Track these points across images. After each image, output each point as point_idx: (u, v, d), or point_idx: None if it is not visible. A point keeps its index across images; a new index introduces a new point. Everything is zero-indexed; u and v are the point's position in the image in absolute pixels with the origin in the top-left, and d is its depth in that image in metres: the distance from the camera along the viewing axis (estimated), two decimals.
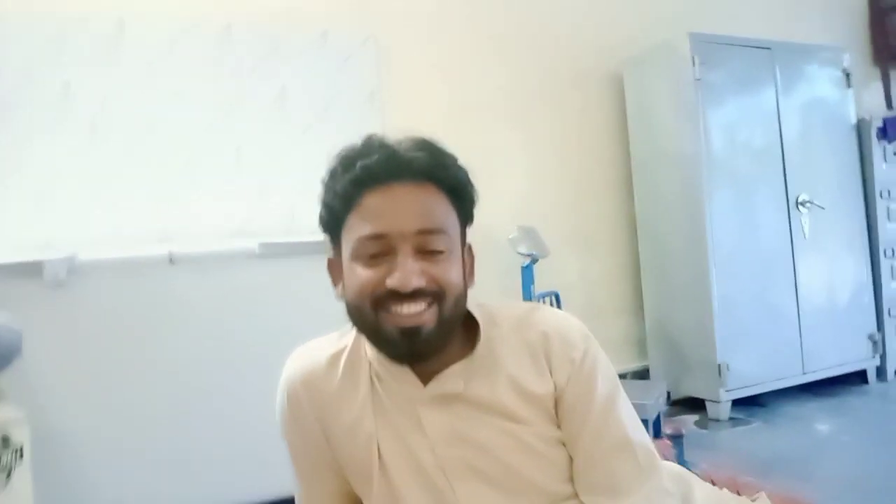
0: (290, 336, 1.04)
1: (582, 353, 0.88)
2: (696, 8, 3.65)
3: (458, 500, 0.85)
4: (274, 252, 2.19)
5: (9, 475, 1.76)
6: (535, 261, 2.91)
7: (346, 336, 0.95)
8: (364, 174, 0.83)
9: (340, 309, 0.94)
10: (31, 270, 1.91)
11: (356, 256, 0.84)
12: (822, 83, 3.40)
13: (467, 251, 0.91)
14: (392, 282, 0.80)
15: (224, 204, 2.50)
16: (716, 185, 3.04)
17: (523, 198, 3.17)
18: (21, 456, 1.77)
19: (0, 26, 2.23)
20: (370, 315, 0.83)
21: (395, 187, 0.83)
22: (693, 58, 3.02)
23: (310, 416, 0.93)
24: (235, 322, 2.11)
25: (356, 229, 0.84)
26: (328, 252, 0.92)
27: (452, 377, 0.87)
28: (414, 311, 0.81)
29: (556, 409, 0.87)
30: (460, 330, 0.90)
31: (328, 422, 0.92)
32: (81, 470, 1.94)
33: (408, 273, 0.80)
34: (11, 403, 1.76)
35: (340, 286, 0.89)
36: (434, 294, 0.82)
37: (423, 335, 0.82)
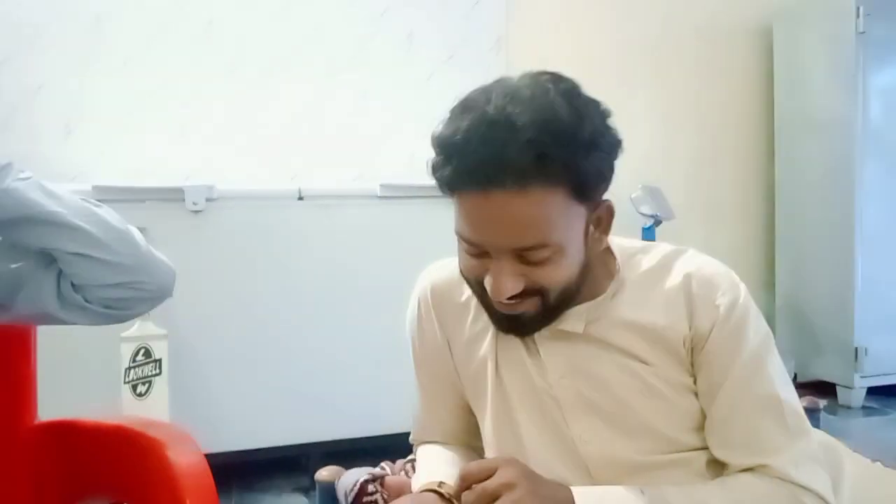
0: (407, 277, 1.04)
1: (731, 300, 0.80)
2: None
3: (571, 432, 0.82)
4: (394, 193, 2.23)
5: (149, 386, 1.94)
6: (657, 223, 2.78)
7: None
8: (457, 178, 0.73)
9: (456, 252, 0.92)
10: (173, 196, 2.05)
11: (459, 238, 0.79)
12: None
13: (606, 209, 0.81)
14: (487, 286, 0.77)
15: (348, 145, 2.56)
16: (869, 156, 2.77)
17: (650, 157, 3.01)
18: (160, 369, 1.94)
19: None
20: (475, 289, 0.82)
21: (492, 195, 0.72)
22: (858, 8, 2.72)
23: (435, 324, 0.94)
24: (356, 260, 2.18)
25: (458, 216, 0.77)
26: None
27: (574, 317, 0.83)
28: (513, 303, 0.77)
29: (693, 357, 0.82)
30: (598, 266, 0.86)
31: (452, 333, 0.92)
32: (211, 386, 2.09)
33: (502, 284, 0.75)
34: (153, 320, 1.92)
35: None
36: (535, 291, 0.77)
37: (524, 320, 0.80)
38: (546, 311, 0.79)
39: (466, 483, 0.74)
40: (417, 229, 2.12)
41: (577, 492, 0.75)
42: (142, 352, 1.92)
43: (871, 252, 2.76)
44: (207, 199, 2.07)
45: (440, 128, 0.76)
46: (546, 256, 0.75)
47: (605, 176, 0.77)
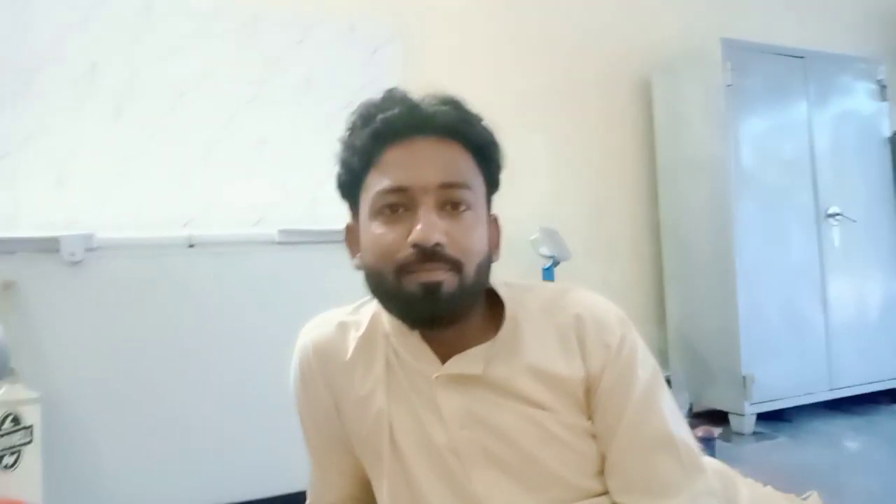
0: (305, 325, 1.00)
1: (619, 338, 0.82)
2: (728, 14, 3.60)
3: (473, 487, 0.79)
4: (294, 239, 2.16)
5: (18, 456, 1.74)
6: (556, 263, 2.86)
7: (364, 308, 0.90)
8: (385, 128, 0.79)
9: (359, 297, 0.90)
10: (48, 246, 1.89)
11: (375, 213, 0.79)
12: (856, 94, 3.33)
13: (493, 222, 0.87)
14: (413, 237, 0.76)
15: (245, 190, 2.48)
16: (744, 195, 2.97)
17: (546, 200, 3.12)
18: (31, 437, 1.75)
19: (27, 3, 2.23)
20: (391, 278, 0.78)
21: (417, 141, 0.80)
22: (725, 63, 2.97)
23: (321, 386, 0.89)
24: (253, 309, 2.08)
25: (375, 185, 0.79)
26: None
27: (472, 358, 0.81)
28: (435, 268, 0.77)
29: (588, 399, 0.81)
30: (484, 309, 0.86)
31: (339, 393, 0.88)
32: (91, 453, 1.90)
33: (430, 226, 0.76)
34: (24, 382, 1.74)
35: (358, 255, 0.84)
36: (454, 262, 0.77)
37: (443, 293, 0.77)
38: (462, 292, 0.78)
39: None
40: (319, 276, 2.05)
41: None
42: (9, 418, 1.73)
43: (750, 285, 2.94)
44: (86, 249, 1.92)
45: (350, 119, 0.85)
46: (467, 202, 0.79)
47: (499, 168, 0.86)
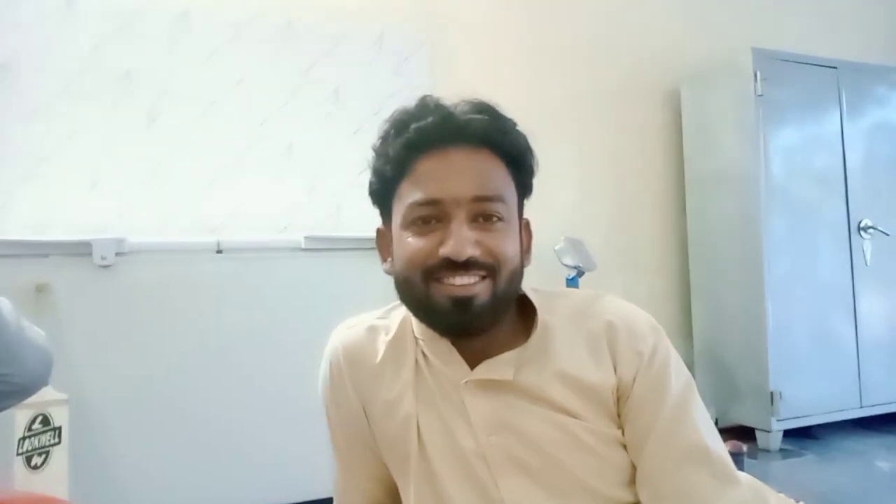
0: (331, 330, 1.00)
1: (652, 346, 0.81)
2: (759, 24, 3.56)
3: (500, 494, 0.79)
4: (319, 246, 2.18)
5: (46, 457, 1.77)
6: (580, 274, 2.84)
7: (395, 312, 0.91)
8: (418, 138, 0.80)
9: (384, 305, 0.91)
10: (80, 250, 1.93)
11: (407, 224, 0.80)
12: (890, 105, 3.26)
13: (524, 227, 0.86)
14: (445, 250, 0.76)
15: (273, 197, 2.51)
16: (773, 209, 2.93)
17: (571, 211, 3.10)
18: (59, 438, 1.78)
19: (68, 10, 2.28)
20: (420, 286, 0.79)
21: (450, 152, 0.79)
22: (755, 73, 2.93)
23: (350, 388, 0.89)
24: (278, 314, 2.10)
25: (408, 196, 0.80)
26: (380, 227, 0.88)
27: (502, 364, 0.81)
28: (467, 282, 0.77)
29: (619, 408, 0.80)
30: (515, 315, 0.85)
31: (368, 397, 0.88)
32: (118, 454, 1.93)
33: (462, 241, 0.76)
34: (53, 384, 1.77)
35: (389, 260, 0.85)
36: (488, 267, 0.78)
37: (475, 307, 0.77)
38: (495, 301, 0.78)
39: None
40: (343, 283, 2.07)
41: None
42: (39, 419, 1.76)
43: (780, 300, 2.88)
44: (117, 254, 1.96)
45: (384, 127, 0.84)
46: (500, 215, 0.79)
47: (533, 173, 0.86)
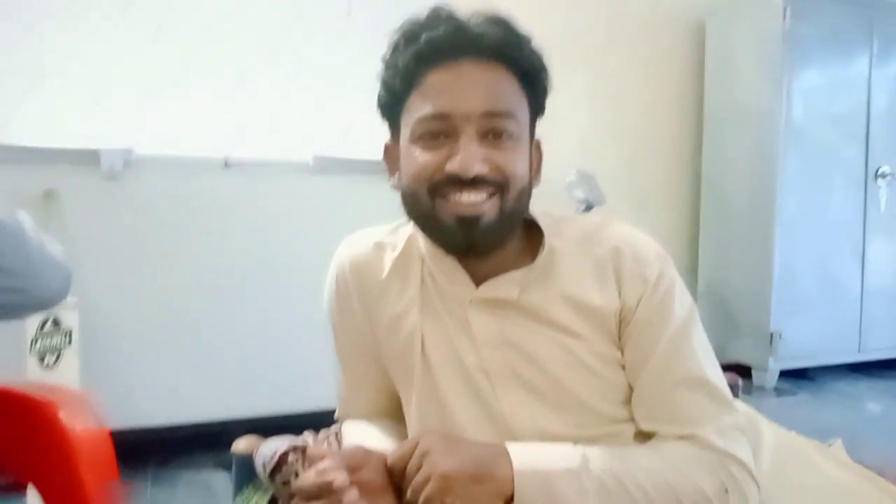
0: (335, 251, 1.00)
1: (657, 273, 0.81)
2: None
3: (500, 406, 0.81)
4: (327, 166, 2.17)
5: (58, 357, 1.82)
6: (589, 207, 2.82)
7: (402, 229, 0.90)
8: (429, 49, 0.77)
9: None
10: (88, 159, 1.93)
11: (416, 138, 0.78)
12: None
13: (535, 147, 0.85)
14: (452, 166, 0.75)
15: (282, 115, 2.47)
16: (791, 150, 2.88)
17: (584, 142, 3.05)
18: (70, 339, 1.83)
19: None
20: (426, 202, 0.78)
21: (462, 65, 0.77)
22: (785, 9, 2.82)
23: (356, 301, 0.90)
24: (284, 231, 2.11)
25: (417, 109, 0.78)
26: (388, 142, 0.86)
27: (507, 283, 0.81)
28: (473, 201, 0.76)
29: (620, 331, 0.81)
30: (522, 236, 0.85)
31: (373, 310, 0.89)
32: (127, 358, 1.99)
33: (470, 157, 0.74)
34: None
35: (396, 175, 0.84)
36: (496, 184, 0.77)
37: (481, 226, 0.76)
38: (501, 220, 0.78)
39: (398, 469, 0.74)
40: (350, 203, 2.07)
41: (513, 447, 0.75)
42: (50, 321, 1.80)
43: (788, 241, 2.88)
44: (125, 164, 1.95)
45: (394, 38, 0.81)
46: (511, 133, 0.78)
47: (546, 92, 0.83)
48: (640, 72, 3.22)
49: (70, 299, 1.81)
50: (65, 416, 0.76)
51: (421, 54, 0.77)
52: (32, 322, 1.77)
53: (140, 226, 1.98)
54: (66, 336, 1.82)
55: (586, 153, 3.00)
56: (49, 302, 0.84)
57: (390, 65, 0.80)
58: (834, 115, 2.97)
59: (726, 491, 0.73)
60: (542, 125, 0.86)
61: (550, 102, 0.86)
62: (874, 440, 2.28)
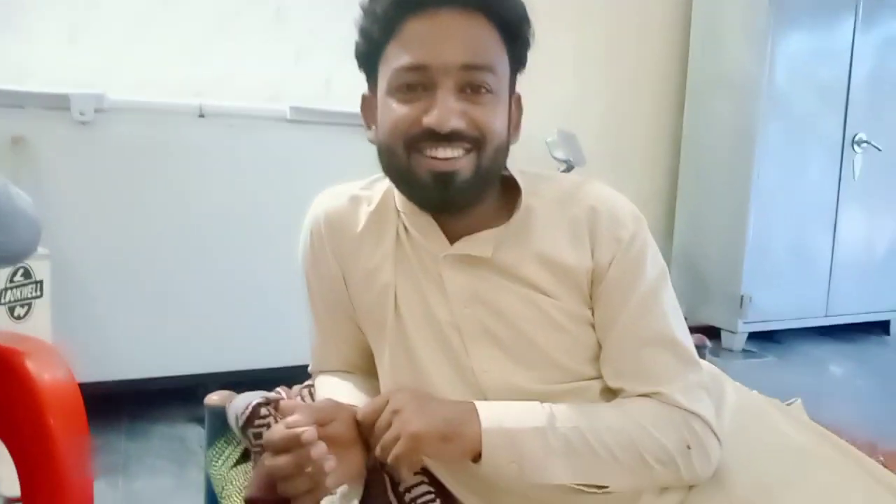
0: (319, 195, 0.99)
1: (631, 233, 0.81)
2: None
3: (471, 362, 0.82)
4: (305, 118, 2.13)
5: (29, 308, 1.80)
6: (570, 168, 2.81)
7: (378, 184, 0.90)
8: (403, 2, 0.75)
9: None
10: (58, 103, 1.87)
11: (392, 90, 0.77)
12: None
13: (515, 102, 0.84)
14: (429, 119, 0.74)
15: (259, 64, 2.41)
16: (771, 117, 2.90)
17: (567, 102, 3.03)
18: (41, 291, 1.80)
19: None
20: (402, 157, 0.77)
21: (441, 14, 0.75)
22: None
23: (330, 255, 0.90)
24: (260, 183, 2.08)
25: (394, 59, 0.76)
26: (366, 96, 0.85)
27: (482, 241, 0.82)
28: (449, 156, 0.75)
29: (592, 290, 0.82)
30: (499, 194, 0.85)
31: (347, 265, 0.89)
32: (100, 310, 1.97)
33: (447, 111, 0.73)
34: None
35: (374, 128, 0.83)
36: (473, 140, 0.76)
37: (456, 182, 0.76)
38: (477, 177, 0.77)
39: (367, 424, 0.75)
40: (327, 157, 2.03)
41: (481, 405, 0.76)
42: (20, 272, 1.77)
43: (763, 207, 2.92)
44: (96, 110, 1.89)
45: None
46: (489, 87, 0.77)
47: (528, 45, 0.82)
48: (628, 33, 3.19)
49: (41, 250, 1.78)
50: (32, 366, 0.74)
51: (400, 1, 0.76)
52: (1, 274, 1.73)
53: (112, 175, 1.94)
54: (36, 287, 1.79)
55: (568, 114, 2.98)
56: (18, 256, 0.83)
57: (369, 12, 0.79)
58: (816, 82, 2.99)
59: (689, 448, 0.75)
60: (525, 84, 0.85)
61: (535, 61, 0.84)
62: (835, 401, 2.36)
